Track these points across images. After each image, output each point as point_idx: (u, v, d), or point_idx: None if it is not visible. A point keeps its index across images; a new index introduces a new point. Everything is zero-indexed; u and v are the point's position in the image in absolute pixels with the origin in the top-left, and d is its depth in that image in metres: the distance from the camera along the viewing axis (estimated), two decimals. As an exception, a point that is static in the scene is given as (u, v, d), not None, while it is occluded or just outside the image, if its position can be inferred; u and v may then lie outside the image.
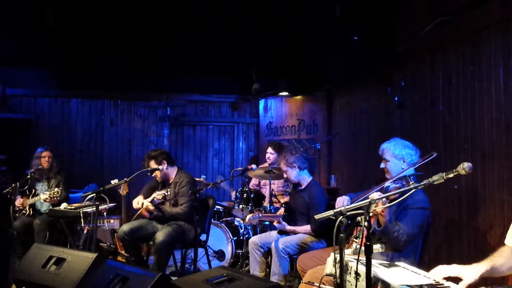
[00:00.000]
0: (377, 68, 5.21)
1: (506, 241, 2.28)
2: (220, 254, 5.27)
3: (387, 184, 2.94)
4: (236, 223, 5.49)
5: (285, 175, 4.46)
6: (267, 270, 4.28)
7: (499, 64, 3.43)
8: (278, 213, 4.56)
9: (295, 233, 4.23)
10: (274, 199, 5.12)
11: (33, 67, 6.68)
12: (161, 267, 4.25)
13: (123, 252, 4.53)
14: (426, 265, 2.37)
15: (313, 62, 5.82)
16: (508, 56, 3.35)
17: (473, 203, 3.70)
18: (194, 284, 2.73)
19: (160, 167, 4.63)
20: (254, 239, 4.38)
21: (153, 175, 4.79)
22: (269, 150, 5.63)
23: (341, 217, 2.10)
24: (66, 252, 3.23)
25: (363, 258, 2.01)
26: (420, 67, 4.49)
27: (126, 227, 4.44)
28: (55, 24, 5.70)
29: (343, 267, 2.08)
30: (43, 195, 4.84)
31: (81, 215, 4.44)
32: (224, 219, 5.72)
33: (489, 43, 3.55)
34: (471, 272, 2.13)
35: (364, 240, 2.05)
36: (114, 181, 4.36)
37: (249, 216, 4.53)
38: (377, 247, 2.26)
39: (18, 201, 5.10)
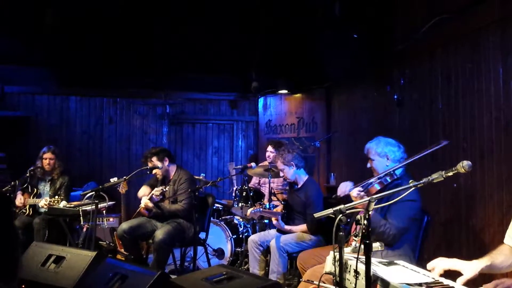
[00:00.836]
0: (376, 66, 5.21)
1: (505, 240, 2.29)
2: (220, 252, 5.28)
3: (371, 180, 3.04)
4: (235, 221, 5.49)
5: (281, 174, 4.44)
6: (266, 268, 4.28)
7: (498, 62, 3.44)
8: (275, 210, 4.56)
9: (291, 232, 4.23)
10: (273, 198, 5.12)
11: (31, 65, 6.67)
12: (160, 265, 4.25)
13: (122, 250, 4.53)
14: (425, 264, 2.37)
15: (312, 60, 5.82)
16: (507, 55, 3.35)
17: (472, 201, 3.71)
18: (193, 282, 2.73)
19: (160, 164, 4.62)
20: (253, 238, 4.39)
21: (153, 173, 4.78)
22: (269, 148, 5.62)
23: (341, 215, 2.10)
24: (66, 250, 3.24)
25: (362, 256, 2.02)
26: (419, 66, 4.49)
27: (125, 225, 4.44)
28: (53, 22, 5.69)
29: (342, 266, 2.08)
30: (43, 202, 4.82)
31: (81, 213, 4.44)
32: (223, 217, 5.72)
33: (488, 42, 3.55)
34: (471, 267, 2.13)
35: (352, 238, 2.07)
36: (113, 179, 4.36)
37: (250, 210, 4.53)
38: (376, 245, 2.27)
39: (20, 199, 5.08)
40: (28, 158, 5.41)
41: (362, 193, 2.99)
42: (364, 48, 5.01)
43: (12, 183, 4.86)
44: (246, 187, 5.30)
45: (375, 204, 2.12)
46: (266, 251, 4.32)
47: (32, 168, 5.12)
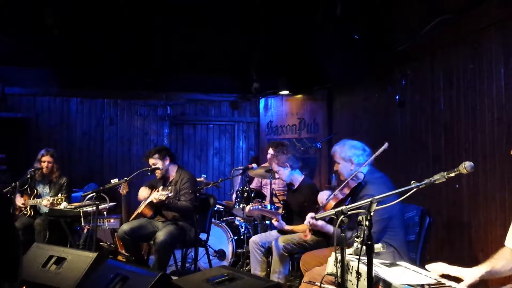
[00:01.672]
0: (377, 67, 5.21)
1: (506, 243, 2.28)
2: (221, 254, 5.27)
3: (335, 192, 3.11)
4: (236, 222, 5.48)
5: (277, 176, 4.44)
6: (268, 269, 4.27)
7: (500, 63, 3.43)
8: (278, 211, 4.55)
9: (293, 232, 4.22)
10: (275, 199, 5.11)
11: (32, 66, 6.67)
12: (161, 267, 4.24)
13: (123, 251, 4.52)
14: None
15: (313, 61, 5.81)
16: (508, 55, 3.34)
17: (474, 202, 3.70)
18: (194, 283, 2.73)
19: (161, 163, 4.59)
20: (255, 239, 4.38)
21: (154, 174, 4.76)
22: (270, 151, 5.59)
23: (342, 216, 2.09)
24: (66, 251, 3.24)
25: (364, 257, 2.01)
26: (421, 66, 4.48)
27: (126, 226, 4.43)
28: (54, 23, 5.69)
29: (344, 267, 2.07)
30: (46, 201, 4.81)
31: (81, 214, 4.43)
32: (224, 218, 5.72)
33: (489, 42, 3.54)
34: (471, 273, 2.13)
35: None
36: (114, 181, 4.35)
37: (249, 207, 4.52)
38: (378, 247, 2.26)
39: (20, 201, 5.08)
40: (29, 160, 5.40)
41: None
42: (365, 49, 5.00)
43: (13, 184, 4.85)
44: (247, 188, 5.29)
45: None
46: (267, 252, 4.31)
47: (32, 169, 5.11)
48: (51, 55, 6.29)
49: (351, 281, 2.13)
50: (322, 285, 2.33)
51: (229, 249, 5.23)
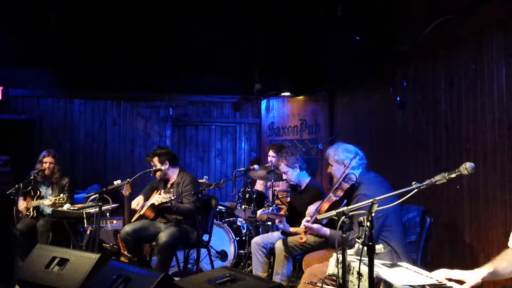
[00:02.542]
0: (379, 68, 5.21)
1: (509, 244, 2.28)
2: (223, 255, 5.28)
3: (329, 194, 3.19)
4: (238, 223, 5.49)
5: (284, 177, 4.44)
6: (270, 270, 4.27)
7: (501, 63, 3.43)
8: (281, 212, 4.56)
9: (296, 234, 4.22)
10: (277, 200, 5.12)
11: (35, 68, 6.69)
12: (164, 268, 4.25)
13: (126, 252, 4.54)
14: (429, 265, 2.37)
15: (314, 62, 5.82)
16: (510, 56, 3.35)
17: (475, 203, 3.70)
18: (197, 284, 2.73)
19: (162, 166, 4.62)
20: (257, 240, 4.38)
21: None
22: (271, 153, 5.60)
23: (343, 217, 2.10)
24: (69, 252, 3.25)
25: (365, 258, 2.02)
26: (422, 67, 4.48)
27: (128, 227, 4.45)
28: (57, 25, 5.71)
29: (345, 267, 2.08)
30: (48, 200, 4.83)
31: (84, 215, 4.44)
32: (226, 219, 5.72)
33: (491, 42, 3.54)
34: (474, 275, 2.13)
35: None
36: (117, 182, 4.37)
37: (259, 211, 4.54)
38: (379, 247, 2.26)
39: (23, 204, 5.09)
40: (33, 161, 5.41)
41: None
42: (367, 50, 5.01)
43: (16, 185, 4.87)
44: (249, 189, 5.30)
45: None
46: (269, 253, 4.32)
47: (35, 171, 5.13)
48: (54, 57, 6.33)
49: (352, 282, 2.14)
50: (322, 285, 2.34)
51: (231, 250, 5.24)
